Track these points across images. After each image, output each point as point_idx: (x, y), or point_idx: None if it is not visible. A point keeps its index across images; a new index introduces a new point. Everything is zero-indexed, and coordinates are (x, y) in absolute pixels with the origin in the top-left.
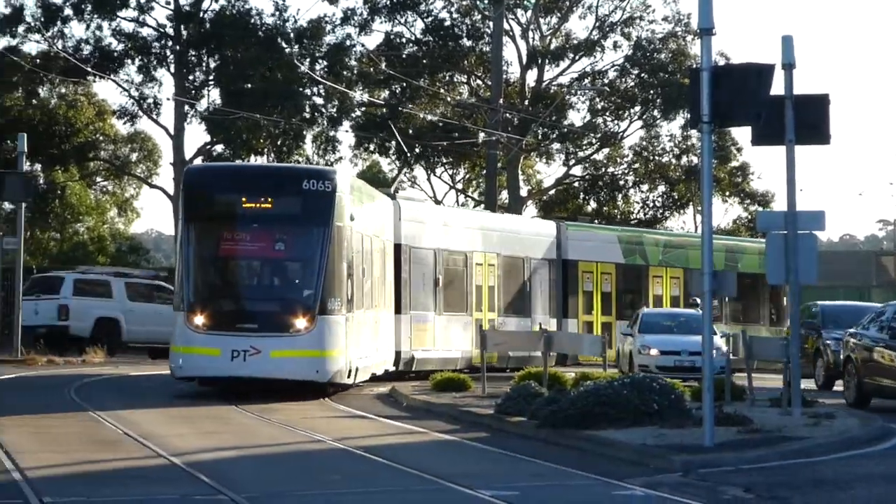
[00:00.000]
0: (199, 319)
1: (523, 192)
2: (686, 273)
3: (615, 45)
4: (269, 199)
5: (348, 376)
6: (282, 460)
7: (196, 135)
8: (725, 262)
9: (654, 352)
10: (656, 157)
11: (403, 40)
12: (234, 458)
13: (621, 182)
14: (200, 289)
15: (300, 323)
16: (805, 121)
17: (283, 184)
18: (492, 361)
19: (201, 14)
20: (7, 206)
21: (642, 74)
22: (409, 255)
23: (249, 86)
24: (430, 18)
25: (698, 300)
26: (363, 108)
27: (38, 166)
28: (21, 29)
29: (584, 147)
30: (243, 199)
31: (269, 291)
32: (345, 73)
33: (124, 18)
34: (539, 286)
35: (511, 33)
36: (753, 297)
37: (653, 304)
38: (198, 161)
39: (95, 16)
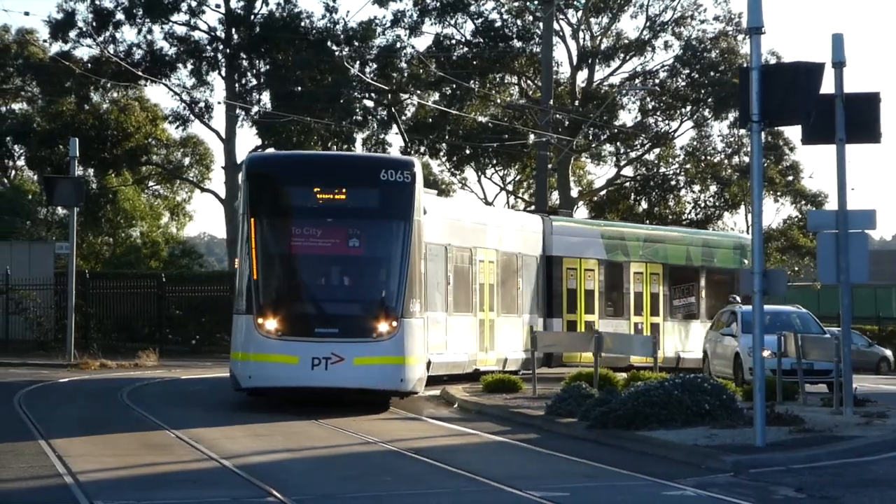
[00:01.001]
0: (272, 324)
1: (574, 192)
2: (665, 268)
3: (666, 45)
4: (344, 191)
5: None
6: (333, 462)
7: (247, 138)
8: (702, 257)
9: (766, 353)
10: (707, 157)
11: (453, 42)
12: (286, 460)
13: (673, 182)
14: (272, 290)
15: (383, 326)
16: (856, 119)
17: (358, 174)
18: (488, 364)
19: (252, 17)
20: (60, 211)
21: (693, 74)
22: (425, 252)
23: (300, 89)
24: (480, 20)
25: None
26: (411, 110)
27: (90, 171)
28: (73, 34)
29: (636, 147)
30: (316, 191)
31: (348, 292)
32: (395, 75)
33: (175, 22)
34: (529, 284)
35: (561, 34)
36: (728, 293)
37: (634, 302)
38: None
39: (147, 20)
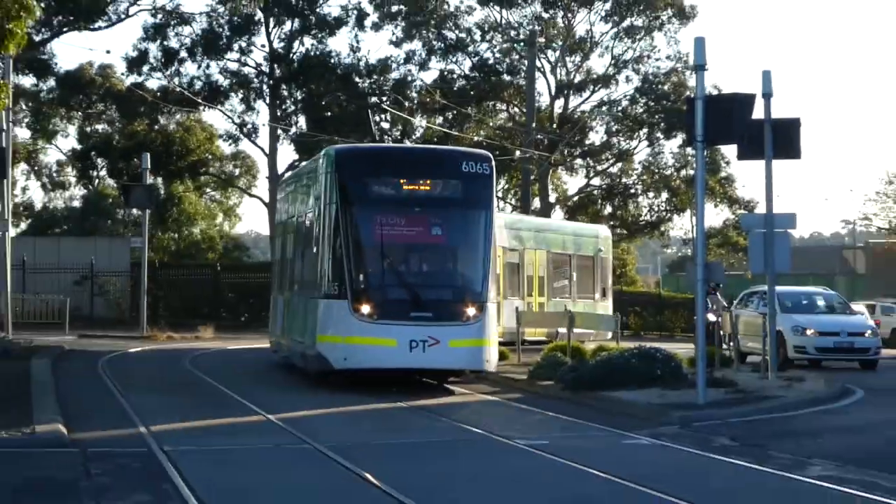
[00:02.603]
0: (367, 308)
1: (552, 199)
2: (547, 255)
3: (627, 79)
4: (429, 182)
5: None
6: (359, 418)
7: (286, 154)
8: (573, 245)
9: (810, 332)
10: (660, 170)
11: (454, 76)
12: (322, 415)
13: (632, 191)
14: (366, 276)
15: (471, 311)
16: (780, 140)
17: (442, 165)
18: None
19: (291, 55)
20: (135, 212)
21: (649, 102)
22: None
23: (329, 114)
24: (476, 58)
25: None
26: (420, 131)
27: (159, 180)
28: (145, 69)
29: (602, 162)
30: (402, 182)
31: (439, 278)
32: (406, 103)
33: (229, 59)
34: None
35: (542, 69)
36: (588, 276)
37: (526, 286)
38: (288, 175)
39: (205, 58)
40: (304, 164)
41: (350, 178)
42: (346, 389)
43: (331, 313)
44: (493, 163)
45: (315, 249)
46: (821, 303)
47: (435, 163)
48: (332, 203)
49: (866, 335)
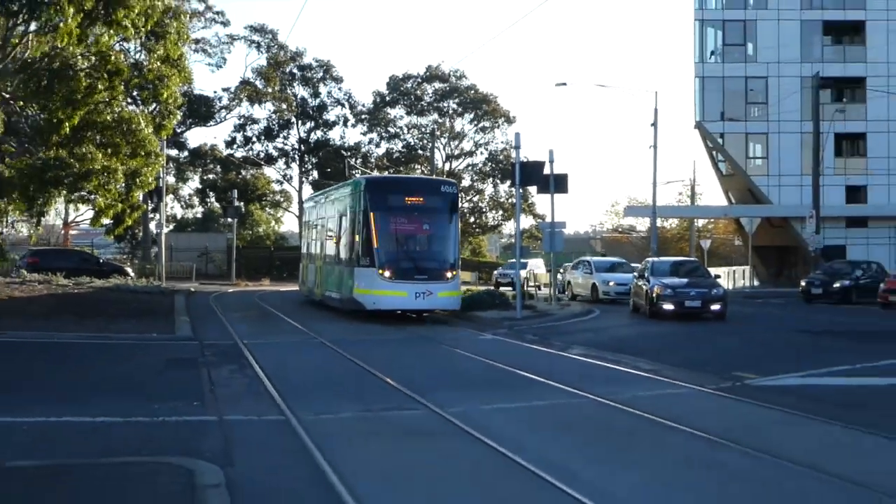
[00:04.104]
0: (388, 273)
1: None
2: None
3: (481, 153)
4: (422, 197)
5: None
6: (345, 327)
7: (307, 190)
8: None
9: (612, 283)
10: (498, 199)
11: (394, 150)
12: (331, 324)
13: (484, 209)
14: (387, 253)
15: (449, 274)
16: (558, 184)
17: (429, 187)
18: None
19: (309, 139)
20: (229, 220)
21: (493, 165)
22: None
23: (329, 170)
24: (404, 142)
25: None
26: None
27: (242, 203)
28: (234, 146)
29: (469, 194)
30: (406, 197)
31: (431, 255)
32: (369, 164)
33: (278, 141)
34: None
35: (439, 148)
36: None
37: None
38: (309, 197)
39: (266, 140)
40: (320, 191)
41: (375, 194)
42: (352, 317)
43: (364, 275)
44: (457, 186)
45: (350, 237)
46: (616, 266)
47: (425, 186)
48: (362, 210)
49: None
